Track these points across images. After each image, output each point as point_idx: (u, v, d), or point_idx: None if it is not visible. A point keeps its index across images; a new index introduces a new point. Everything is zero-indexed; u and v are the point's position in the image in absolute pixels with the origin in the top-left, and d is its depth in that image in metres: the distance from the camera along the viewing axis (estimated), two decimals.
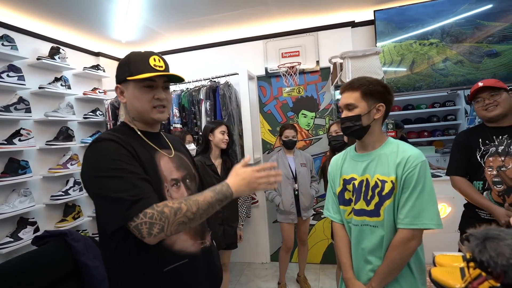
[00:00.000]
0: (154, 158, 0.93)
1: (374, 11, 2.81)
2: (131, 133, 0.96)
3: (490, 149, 1.50)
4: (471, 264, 0.66)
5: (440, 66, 2.75)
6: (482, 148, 1.53)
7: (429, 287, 1.05)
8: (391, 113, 3.26)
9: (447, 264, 0.92)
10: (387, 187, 1.08)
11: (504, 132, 1.49)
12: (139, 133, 0.97)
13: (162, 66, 0.95)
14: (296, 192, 2.50)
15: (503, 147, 1.47)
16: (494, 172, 1.47)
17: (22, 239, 2.20)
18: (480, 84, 1.51)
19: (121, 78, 0.95)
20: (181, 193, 0.97)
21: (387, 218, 1.08)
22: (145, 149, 0.93)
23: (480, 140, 1.54)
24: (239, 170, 0.89)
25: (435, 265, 0.97)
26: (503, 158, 1.45)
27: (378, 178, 1.10)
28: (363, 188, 1.14)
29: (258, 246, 3.24)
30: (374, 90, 1.11)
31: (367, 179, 1.13)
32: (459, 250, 1.04)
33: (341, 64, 2.50)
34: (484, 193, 1.51)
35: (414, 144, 3.47)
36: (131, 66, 0.92)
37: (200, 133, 2.76)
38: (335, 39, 2.94)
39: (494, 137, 1.51)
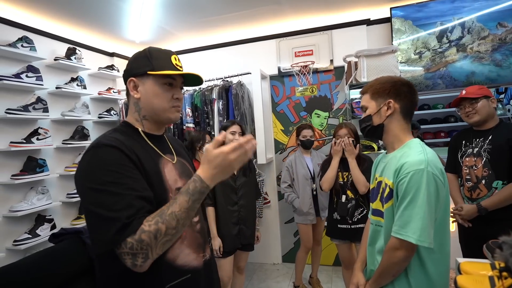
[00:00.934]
0: (158, 166, 0.87)
1: (391, 8, 2.74)
2: (134, 135, 0.89)
3: (468, 150, 1.70)
4: (504, 273, 0.62)
5: (459, 64, 2.66)
6: (463, 149, 1.73)
7: None
8: None
9: (474, 272, 0.87)
10: (387, 191, 1.07)
11: (481, 135, 1.67)
12: (143, 135, 0.90)
13: (182, 67, 0.92)
14: (315, 193, 2.47)
15: (477, 148, 1.66)
16: (467, 171, 1.68)
17: (39, 235, 2.25)
18: (463, 92, 1.69)
19: (139, 72, 0.87)
20: None
21: (386, 221, 1.07)
22: (149, 155, 0.86)
23: (463, 141, 1.74)
24: (210, 156, 0.76)
25: (460, 273, 0.92)
26: (475, 159, 1.65)
27: (386, 181, 1.10)
28: (380, 189, 1.13)
29: (270, 247, 3.21)
30: (381, 88, 1.11)
31: (383, 181, 1.13)
32: (484, 257, 0.99)
33: (355, 63, 2.44)
34: (461, 188, 1.76)
35: (430, 145, 3.37)
36: (153, 61, 0.87)
37: (213, 133, 2.75)
38: (350, 37, 2.88)
39: (473, 139, 1.70)
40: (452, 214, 1.70)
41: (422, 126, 3.71)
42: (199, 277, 0.90)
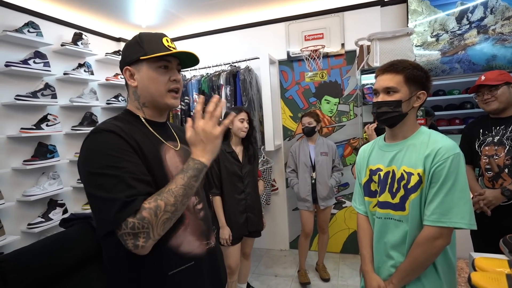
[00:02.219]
0: (159, 152, 0.86)
1: None
2: (135, 122, 0.88)
3: (487, 139, 1.63)
4: None
5: (479, 47, 2.53)
6: (481, 138, 1.66)
7: None
8: None
9: (489, 268, 0.83)
10: (413, 180, 1.01)
11: (502, 123, 1.60)
12: (144, 122, 0.89)
13: (174, 48, 0.89)
14: (313, 181, 2.48)
15: (498, 137, 1.59)
16: (487, 161, 1.61)
17: (52, 219, 2.31)
18: (483, 78, 1.61)
19: (132, 59, 0.86)
20: None
21: (412, 212, 1.01)
22: (150, 141, 0.85)
23: (481, 130, 1.67)
24: (190, 140, 0.80)
25: (474, 269, 0.89)
26: (496, 147, 1.58)
27: (404, 170, 1.04)
28: (389, 180, 1.08)
29: (277, 233, 3.24)
30: (418, 76, 1.03)
31: (393, 171, 1.07)
32: (501, 252, 0.95)
33: (368, 46, 2.35)
34: (479, 179, 1.68)
35: (444, 132, 3.27)
36: (144, 46, 0.85)
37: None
38: (363, 19, 2.76)
39: (493, 127, 1.63)
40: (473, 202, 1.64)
41: (436, 113, 3.59)
42: (202, 265, 0.90)
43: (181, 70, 0.95)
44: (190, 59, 0.92)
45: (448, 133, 3.89)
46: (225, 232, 1.93)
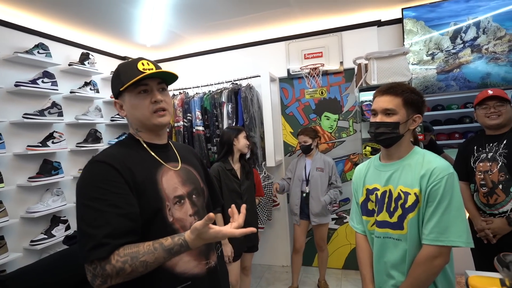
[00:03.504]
0: (155, 176, 0.88)
1: (402, 8, 2.69)
2: (135, 146, 0.92)
3: (481, 156, 1.67)
4: None
5: (473, 65, 2.59)
6: (476, 154, 1.70)
7: None
8: None
9: (482, 287, 0.85)
10: (410, 199, 1.03)
11: (494, 140, 1.64)
12: (144, 145, 0.92)
13: (152, 69, 0.90)
14: (305, 195, 2.51)
15: (492, 153, 1.63)
16: (482, 176, 1.64)
17: (55, 236, 2.32)
18: (490, 92, 1.62)
19: (115, 92, 0.92)
20: (184, 211, 0.91)
21: (410, 231, 1.03)
22: (146, 166, 0.88)
23: (475, 147, 1.71)
24: (204, 235, 0.76)
25: (468, 287, 0.91)
26: (490, 164, 1.61)
27: (401, 190, 1.06)
28: (386, 199, 1.10)
29: (279, 249, 3.22)
30: (415, 100, 1.08)
31: (390, 190, 1.09)
32: (496, 270, 0.97)
33: (366, 65, 2.42)
34: (474, 194, 1.71)
35: (444, 146, 3.30)
36: (121, 77, 0.89)
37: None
38: (360, 39, 2.85)
39: (486, 144, 1.66)
40: (478, 228, 1.65)
41: (436, 127, 3.62)
42: (201, 285, 0.91)
43: (167, 87, 0.96)
44: (168, 77, 0.93)
45: (448, 147, 3.91)
46: (228, 249, 1.95)
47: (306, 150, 2.53)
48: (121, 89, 0.88)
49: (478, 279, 0.90)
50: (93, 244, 0.72)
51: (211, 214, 0.74)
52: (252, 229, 0.79)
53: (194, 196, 0.96)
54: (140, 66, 0.88)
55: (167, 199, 0.87)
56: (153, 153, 0.92)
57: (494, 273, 0.95)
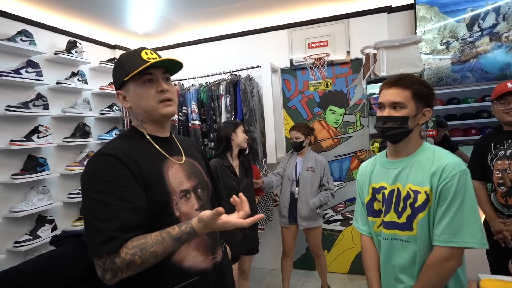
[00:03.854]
0: (161, 169, 0.92)
1: None
2: (139, 139, 0.95)
3: (499, 153, 1.66)
4: None
5: (492, 55, 2.59)
6: (493, 152, 1.69)
7: None
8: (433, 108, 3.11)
9: None
10: (420, 198, 1.03)
11: None
12: (148, 138, 0.96)
13: (156, 58, 0.94)
14: (296, 196, 2.49)
15: (510, 150, 1.62)
16: (500, 175, 1.63)
17: (40, 237, 2.35)
18: (510, 85, 1.60)
19: (119, 83, 0.94)
20: (190, 205, 0.96)
21: (420, 232, 1.03)
22: (151, 159, 0.92)
23: (492, 144, 1.70)
24: (212, 225, 0.79)
25: None
26: (509, 161, 1.61)
27: (410, 188, 1.06)
28: (394, 199, 1.10)
29: (280, 252, 3.23)
30: (425, 93, 1.08)
31: (398, 189, 1.10)
32: (509, 273, 0.98)
33: (374, 55, 2.41)
34: (491, 194, 1.70)
35: (460, 143, 3.31)
36: (125, 66, 0.92)
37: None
38: (369, 27, 2.84)
39: (505, 140, 1.66)
40: (495, 230, 1.65)
41: (450, 122, 3.62)
42: (208, 280, 0.95)
43: (172, 77, 1.00)
44: (173, 65, 0.96)
45: (464, 144, 3.91)
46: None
47: (298, 148, 2.51)
48: (125, 79, 0.91)
49: (490, 282, 0.92)
50: (103, 238, 0.74)
51: (221, 208, 0.77)
52: (261, 216, 0.85)
53: (199, 190, 1.00)
54: (144, 55, 0.92)
55: (174, 193, 0.91)
56: (157, 146, 0.96)
57: (508, 277, 0.96)
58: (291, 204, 2.51)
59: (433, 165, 1.04)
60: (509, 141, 1.65)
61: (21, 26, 2.42)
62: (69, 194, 2.69)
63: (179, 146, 1.04)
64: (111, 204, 0.78)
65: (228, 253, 1.95)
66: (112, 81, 0.99)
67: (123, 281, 0.86)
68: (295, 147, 2.53)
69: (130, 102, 0.95)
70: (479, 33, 2.61)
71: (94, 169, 0.84)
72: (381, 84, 1.16)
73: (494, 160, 1.68)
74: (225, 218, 0.80)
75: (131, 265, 0.75)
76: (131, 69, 0.90)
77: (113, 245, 0.74)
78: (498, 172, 1.65)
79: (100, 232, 0.75)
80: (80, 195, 2.81)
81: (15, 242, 2.24)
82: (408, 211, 1.06)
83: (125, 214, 0.78)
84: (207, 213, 0.77)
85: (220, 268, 1.01)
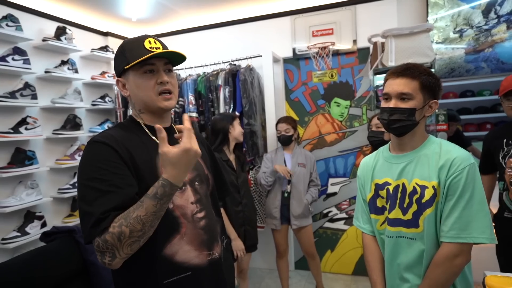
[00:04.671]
0: (155, 160, 0.94)
1: None
2: (135, 129, 0.99)
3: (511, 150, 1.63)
4: None
5: (509, 44, 2.58)
6: (505, 148, 1.68)
7: None
8: (445, 101, 3.10)
9: (499, 287, 0.90)
10: (428, 193, 1.05)
11: None
12: (144, 128, 0.99)
13: (159, 48, 0.96)
14: (286, 195, 2.50)
15: None
16: None
17: (29, 233, 2.38)
18: None
19: (119, 70, 0.97)
20: (185, 198, 0.97)
21: (427, 229, 1.05)
22: (145, 149, 0.94)
23: (505, 140, 1.70)
24: (173, 159, 0.80)
25: (484, 287, 0.96)
26: None
27: (416, 183, 1.08)
28: (399, 195, 1.12)
29: None
30: (433, 84, 1.09)
31: (403, 184, 1.11)
32: None
33: (382, 44, 2.42)
34: (504, 193, 1.69)
35: (474, 138, 3.32)
36: (126, 54, 0.95)
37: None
38: (377, 13, 2.83)
39: None
40: None
41: (463, 116, 3.62)
42: (202, 276, 0.96)
43: (173, 69, 1.01)
44: (176, 57, 0.98)
45: (477, 139, 3.92)
46: (238, 244, 2.03)
47: (287, 142, 2.52)
48: (125, 67, 0.94)
49: (495, 278, 0.95)
50: (93, 221, 0.78)
51: (159, 126, 0.81)
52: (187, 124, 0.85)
53: (196, 183, 1.02)
54: (147, 44, 0.95)
55: None
56: (153, 137, 0.98)
57: None
58: (282, 204, 2.51)
59: (440, 158, 1.06)
60: None
61: (6, 10, 2.42)
62: (59, 189, 2.72)
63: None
64: (103, 190, 0.81)
65: (238, 250, 2.00)
66: (114, 68, 1.02)
67: (115, 273, 0.92)
68: (284, 141, 2.52)
69: (129, 90, 0.98)
70: (496, 20, 2.60)
71: (86, 157, 0.88)
72: (386, 73, 1.16)
73: (507, 158, 1.68)
74: (180, 142, 0.82)
75: (122, 238, 0.77)
76: (132, 58, 0.92)
77: (102, 225, 0.78)
78: (510, 170, 1.65)
79: (91, 216, 0.79)
80: (71, 190, 2.84)
81: (3, 239, 2.27)
82: (414, 207, 1.08)
83: (116, 199, 0.81)
84: (169, 148, 0.81)
85: (217, 266, 1.02)
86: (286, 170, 2.41)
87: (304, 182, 2.49)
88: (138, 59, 0.91)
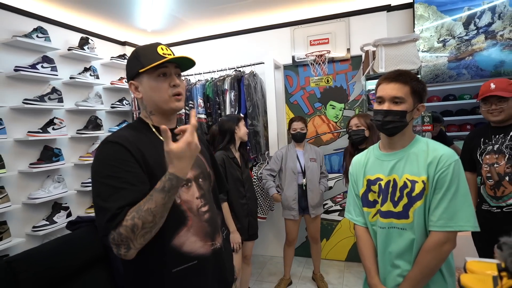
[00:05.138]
0: (164, 158, 0.88)
1: None
2: (144, 130, 0.97)
3: (487, 148, 1.69)
4: (504, 273, 0.65)
5: (487, 53, 2.58)
6: (482, 146, 1.72)
7: None
8: (430, 104, 3.09)
9: (479, 271, 0.90)
10: (418, 187, 1.06)
11: (501, 132, 1.66)
12: (153, 129, 0.98)
13: (170, 54, 0.97)
14: (304, 188, 2.51)
15: (498, 145, 1.65)
16: (488, 169, 1.66)
17: (56, 222, 2.41)
18: (492, 86, 1.63)
19: (133, 73, 0.96)
20: (191, 193, 0.98)
21: (417, 220, 1.06)
22: (155, 149, 0.92)
23: (482, 139, 1.73)
24: (177, 154, 0.79)
25: (465, 271, 0.96)
26: (496, 156, 1.64)
27: (407, 178, 1.09)
28: (390, 189, 1.12)
29: (281, 240, 3.29)
30: (421, 89, 1.11)
31: (394, 179, 1.12)
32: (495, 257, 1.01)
33: (373, 52, 2.42)
34: (481, 187, 1.73)
35: (455, 138, 3.32)
36: (141, 59, 0.94)
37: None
38: (368, 25, 2.84)
39: (492, 136, 1.69)
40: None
41: (446, 118, 3.62)
42: (206, 264, 0.97)
43: (181, 73, 1.02)
44: (186, 62, 0.99)
45: (459, 139, 3.91)
46: (236, 237, 2.03)
47: (301, 138, 2.52)
48: (140, 71, 0.93)
49: (476, 263, 0.95)
50: (109, 215, 0.78)
51: (164, 126, 0.78)
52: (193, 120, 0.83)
53: (200, 179, 1.02)
54: (160, 51, 0.95)
55: None
56: (161, 137, 0.93)
57: (494, 260, 1.00)
58: (299, 196, 2.51)
59: (428, 156, 1.07)
60: (497, 136, 1.67)
61: (37, 23, 2.45)
62: (82, 183, 2.75)
63: None
64: (117, 187, 0.81)
65: (235, 242, 2.01)
66: (126, 71, 1.01)
67: (125, 263, 0.91)
68: (300, 138, 2.51)
69: (142, 93, 0.97)
70: (475, 31, 2.60)
71: (101, 156, 0.87)
72: (379, 78, 1.17)
73: (483, 155, 1.70)
74: (177, 142, 0.80)
75: (135, 229, 0.77)
76: (147, 62, 0.92)
77: (117, 219, 0.78)
78: (486, 166, 1.67)
79: (106, 211, 0.78)
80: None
81: (34, 227, 2.31)
82: (405, 200, 1.08)
83: (130, 195, 0.81)
84: (173, 145, 0.79)
85: (219, 255, 1.03)
86: (279, 199, 2.55)
87: (317, 174, 2.52)
88: (152, 63, 0.91)
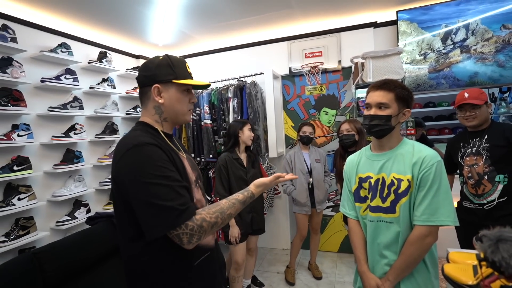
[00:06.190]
0: (181, 161, 0.92)
1: (397, 11, 2.68)
2: (155, 134, 0.91)
3: (467, 151, 1.70)
4: (483, 263, 0.65)
5: (462, 65, 2.59)
6: (462, 150, 1.73)
7: (441, 280, 1.03)
8: (412, 110, 3.12)
9: (460, 261, 0.90)
10: (403, 185, 1.06)
11: (477, 135, 1.68)
12: (162, 135, 0.93)
13: (191, 73, 0.98)
14: (311, 186, 2.51)
15: (475, 148, 1.67)
16: (469, 169, 1.67)
17: (77, 218, 2.40)
18: (466, 95, 1.65)
19: (163, 79, 0.89)
20: (200, 193, 0.98)
21: (403, 215, 1.06)
22: (173, 152, 0.91)
23: (461, 143, 1.75)
24: (268, 186, 0.99)
25: (448, 261, 0.96)
26: (475, 157, 1.65)
27: (394, 177, 1.09)
28: (379, 186, 1.12)
29: (280, 233, 3.29)
30: (406, 96, 1.11)
31: (383, 178, 1.12)
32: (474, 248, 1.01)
33: (362, 64, 2.43)
34: (463, 186, 1.73)
35: (435, 141, 3.32)
36: (176, 70, 0.91)
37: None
38: (357, 39, 2.85)
39: (470, 139, 1.70)
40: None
41: (427, 123, 3.62)
42: (214, 254, 0.99)
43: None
44: (203, 85, 1.00)
45: (438, 141, 3.92)
46: (235, 231, 2.01)
47: (309, 141, 2.52)
48: (174, 81, 0.90)
49: (457, 254, 0.95)
50: (176, 212, 0.77)
51: (279, 174, 1.01)
52: (294, 176, 1.04)
53: (199, 181, 1.03)
54: (188, 69, 0.97)
55: (191, 182, 0.93)
56: (171, 144, 0.94)
57: (474, 250, 1.00)
58: (310, 193, 2.51)
59: (413, 156, 1.06)
60: (474, 140, 1.68)
61: (61, 39, 2.46)
62: (100, 182, 2.74)
63: (177, 143, 1.02)
64: (170, 185, 0.79)
65: (233, 236, 1.99)
66: (152, 73, 0.90)
67: (156, 256, 0.84)
68: (307, 141, 2.51)
69: (164, 99, 0.91)
70: (452, 46, 2.61)
71: (145, 157, 0.80)
72: (368, 87, 1.18)
73: (464, 157, 1.70)
74: (278, 180, 1.01)
75: (214, 226, 0.83)
76: (181, 76, 0.92)
77: (190, 212, 0.80)
78: (467, 167, 1.68)
79: (172, 209, 0.77)
80: (109, 183, 2.87)
81: (57, 222, 2.30)
82: (392, 196, 1.09)
83: (182, 191, 0.82)
84: (267, 179, 0.99)
85: (217, 244, 1.06)
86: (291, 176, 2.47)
87: (321, 173, 2.53)
88: (184, 79, 0.92)
